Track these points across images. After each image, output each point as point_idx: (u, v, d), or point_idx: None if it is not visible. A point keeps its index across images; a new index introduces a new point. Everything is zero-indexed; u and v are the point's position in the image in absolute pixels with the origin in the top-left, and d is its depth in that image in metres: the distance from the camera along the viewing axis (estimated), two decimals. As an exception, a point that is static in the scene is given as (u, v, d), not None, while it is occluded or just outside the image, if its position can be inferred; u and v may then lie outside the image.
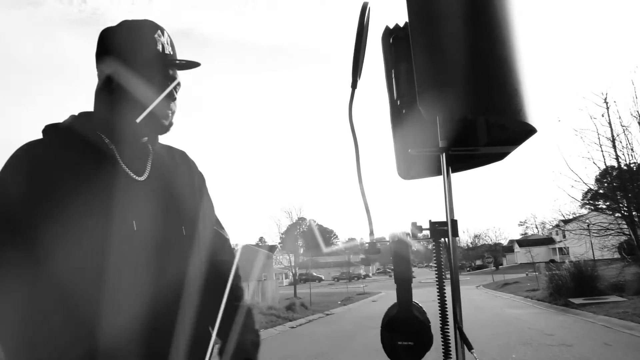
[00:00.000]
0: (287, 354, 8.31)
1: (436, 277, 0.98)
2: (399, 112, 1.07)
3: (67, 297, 0.91)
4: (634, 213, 15.69)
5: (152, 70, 1.04)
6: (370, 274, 77.36)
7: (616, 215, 19.06)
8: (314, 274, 66.63)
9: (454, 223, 0.96)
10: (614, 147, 15.88)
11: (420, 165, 1.17)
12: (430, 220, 0.98)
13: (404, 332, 0.92)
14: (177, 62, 1.09)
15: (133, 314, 0.95)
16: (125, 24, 1.07)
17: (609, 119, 15.93)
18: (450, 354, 0.92)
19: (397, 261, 0.93)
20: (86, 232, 0.93)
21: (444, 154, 1.01)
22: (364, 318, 13.49)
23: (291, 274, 43.24)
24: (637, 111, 15.48)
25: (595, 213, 21.82)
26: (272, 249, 63.18)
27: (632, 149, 15.72)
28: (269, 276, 48.94)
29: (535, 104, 0.91)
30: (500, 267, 61.46)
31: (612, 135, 15.89)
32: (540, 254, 47.31)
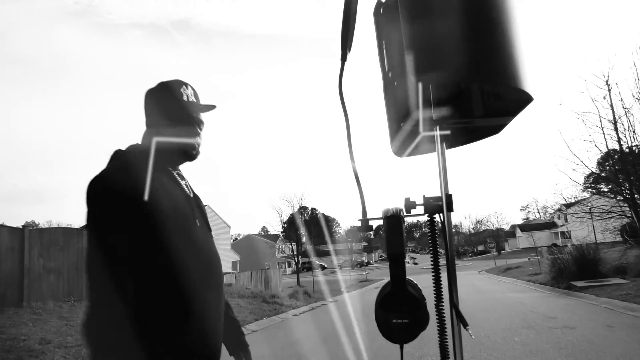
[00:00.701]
0: (292, 340, 8.35)
1: (430, 254, 0.94)
2: (391, 84, 1.02)
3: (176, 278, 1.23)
4: (636, 196, 15.64)
5: (182, 115, 1.42)
6: (373, 262, 77.68)
7: (618, 198, 19.02)
8: (317, 262, 66.89)
9: (449, 197, 0.92)
10: (616, 129, 15.80)
11: (414, 142, 1.13)
12: (424, 195, 0.94)
13: (398, 309, 0.88)
14: (200, 106, 1.46)
15: (211, 289, 1.34)
16: (161, 85, 1.44)
17: (611, 101, 15.83)
18: (446, 331, 0.89)
19: (390, 236, 0.89)
20: (186, 231, 1.31)
21: (437, 127, 0.97)
22: (367, 305, 13.54)
23: (294, 262, 43.42)
24: (639, 92, 15.37)
25: (597, 196, 21.78)
26: (274, 238, 63.42)
27: (634, 131, 15.64)
28: (272, 265, 49.17)
29: (532, 71, 0.86)
30: (502, 252, 61.60)
31: (614, 118, 15.81)
32: (542, 238, 47.39)
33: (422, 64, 0.80)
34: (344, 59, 1.03)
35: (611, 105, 15.81)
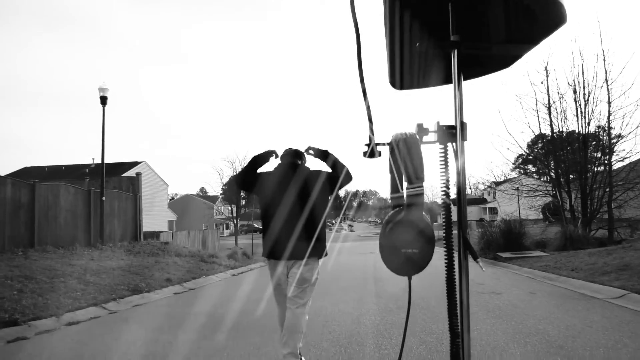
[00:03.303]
0: (228, 297, 8.32)
1: (442, 183, 0.87)
2: (406, 1, 0.92)
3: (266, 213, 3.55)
4: (561, 179, 16.81)
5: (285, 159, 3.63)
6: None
7: (542, 179, 20.39)
8: (256, 225, 66.81)
9: (464, 126, 0.86)
10: (550, 113, 16.74)
11: (420, 72, 1.05)
12: (438, 122, 0.87)
13: (409, 239, 0.82)
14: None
15: (289, 219, 3.35)
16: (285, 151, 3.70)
17: (548, 87, 16.69)
18: (453, 263, 0.85)
19: (407, 159, 0.81)
20: (278, 193, 3.46)
21: (455, 50, 0.89)
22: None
23: (232, 224, 43.03)
24: (574, 80, 16.30)
25: (524, 176, 23.19)
26: (213, 199, 62.31)
27: (565, 117, 16.64)
28: (210, 226, 48.45)
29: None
30: (435, 223, 64.58)
31: (549, 102, 16.71)
32: (473, 212, 50.06)
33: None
34: None
35: (547, 91, 16.68)
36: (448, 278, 0.87)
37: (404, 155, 0.80)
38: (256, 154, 3.61)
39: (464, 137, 0.88)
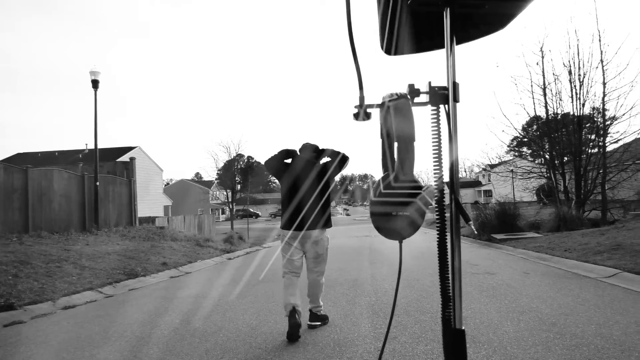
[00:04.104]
0: (224, 280, 8.35)
1: (434, 149, 0.85)
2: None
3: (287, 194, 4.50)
4: (556, 161, 16.86)
5: (305, 152, 4.62)
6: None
7: (537, 161, 20.45)
8: (251, 210, 66.94)
9: (456, 86, 0.84)
10: (544, 95, 16.70)
11: (409, 36, 1.02)
12: (429, 82, 0.84)
13: (399, 202, 0.80)
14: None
15: (304, 200, 4.35)
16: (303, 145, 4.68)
17: (543, 68, 16.62)
18: (446, 225, 0.83)
19: (398, 118, 0.79)
20: (289, 179, 4.48)
21: (448, 8, 0.86)
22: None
23: (228, 209, 43.04)
24: (569, 61, 16.23)
25: (519, 159, 23.26)
26: (208, 184, 62.23)
27: (560, 98, 16.61)
28: (205, 211, 48.47)
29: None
30: (429, 206, 64.93)
31: (544, 84, 16.66)
32: (467, 194, 50.30)
33: None
34: None
35: (543, 72, 16.61)
36: (440, 239, 0.85)
37: (395, 119, 0.78)
38: (285, 149, 4.67)
39: (456, 99, 0.85)
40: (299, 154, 4.64)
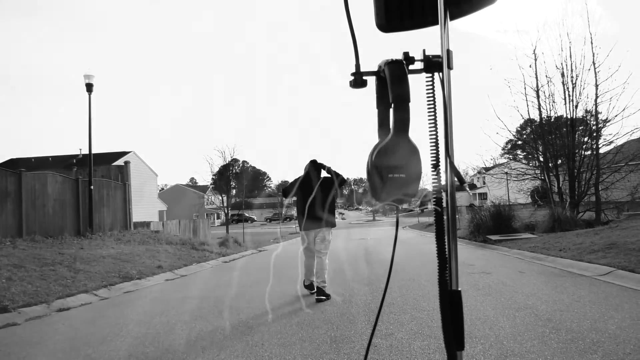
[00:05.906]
0: (220, 282, 8.32)
1: (429, 115, 0.87)
2: None
3: (301, 205, 6.22)
4: (549, 163, 16.97)
5: (311, 167, 6.35)
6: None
7: (531, 164, 20.57)
8: (247, 214, 66.79)
9: (449, 54, 0.86)
10: (538, 97, 16.82)
11: (403, 12, 1.03)
12: (424, 50, 0.86)
13: (395, 164, 0.81)
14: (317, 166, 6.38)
15: (316, 206, 6.05)
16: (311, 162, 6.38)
17: (536, 70, 16.74)
18: (441, 192, 0.84)
19: (394, 80, 0.80)
20: (308, 191, 6.09)
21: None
22: (296, 252, 13.77)
23: (223, 214, 42.92)
24: (562, 63, 16.37)
25: (513, 161, 23.38)
26: (203, 189, 62.07)
27: (553, 100, 16.73)
28: (200, 216, 48.32)
29: None
30: (425, 210, 64.93)
31: (537, 86, 16.77)
32: (462, 197, 50.45)
33: None
34: None
35: (536, 74, 16.73)
36: (436, 201, 0.87)
37: (389, 78, 0.80)
38: (295, 180, 6.30)
39: (450, 66, 0.87)
40: (305, 170, 6.30)
